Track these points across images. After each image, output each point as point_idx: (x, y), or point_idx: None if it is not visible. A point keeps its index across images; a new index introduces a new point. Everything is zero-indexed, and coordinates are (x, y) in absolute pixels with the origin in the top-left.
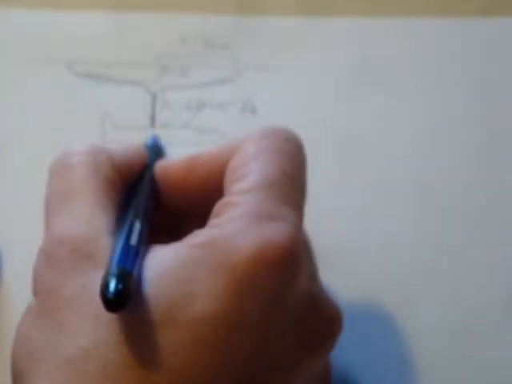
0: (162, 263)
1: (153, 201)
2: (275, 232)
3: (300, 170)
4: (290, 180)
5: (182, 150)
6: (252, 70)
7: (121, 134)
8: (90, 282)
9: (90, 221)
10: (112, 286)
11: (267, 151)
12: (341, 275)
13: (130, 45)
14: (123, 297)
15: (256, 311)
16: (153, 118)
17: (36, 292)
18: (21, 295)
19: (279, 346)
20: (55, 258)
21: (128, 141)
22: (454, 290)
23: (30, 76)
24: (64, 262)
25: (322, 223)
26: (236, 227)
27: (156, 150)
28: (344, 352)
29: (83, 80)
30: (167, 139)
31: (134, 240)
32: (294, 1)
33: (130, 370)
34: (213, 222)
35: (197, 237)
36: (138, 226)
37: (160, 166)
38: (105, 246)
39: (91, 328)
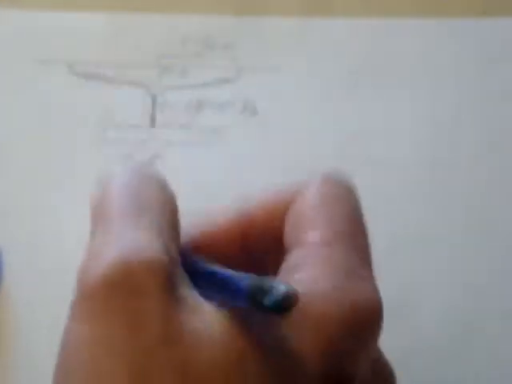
0: None
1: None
2: (365, 294)
3: (363, 218)
4: (361, 231)
5: (182, 150)
6: (252, 70)
7: (121, 133)
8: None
9: (169, 243)
10: (279, 288)
11: (332, 199)
12: None
13: (130, 45)
14: (291, 297)
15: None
16: (153, 118)
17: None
18: (21, 296)
19: None
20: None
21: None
22: (454, 289)
23: (30, 76)
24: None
25: None
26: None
27: None
28: None
29: (83, 80)
30: (167, 139)
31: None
32: (295, 1)
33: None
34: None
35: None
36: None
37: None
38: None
39: None
